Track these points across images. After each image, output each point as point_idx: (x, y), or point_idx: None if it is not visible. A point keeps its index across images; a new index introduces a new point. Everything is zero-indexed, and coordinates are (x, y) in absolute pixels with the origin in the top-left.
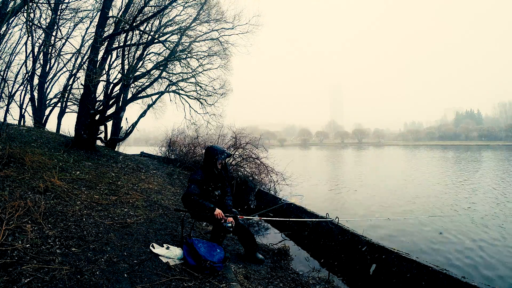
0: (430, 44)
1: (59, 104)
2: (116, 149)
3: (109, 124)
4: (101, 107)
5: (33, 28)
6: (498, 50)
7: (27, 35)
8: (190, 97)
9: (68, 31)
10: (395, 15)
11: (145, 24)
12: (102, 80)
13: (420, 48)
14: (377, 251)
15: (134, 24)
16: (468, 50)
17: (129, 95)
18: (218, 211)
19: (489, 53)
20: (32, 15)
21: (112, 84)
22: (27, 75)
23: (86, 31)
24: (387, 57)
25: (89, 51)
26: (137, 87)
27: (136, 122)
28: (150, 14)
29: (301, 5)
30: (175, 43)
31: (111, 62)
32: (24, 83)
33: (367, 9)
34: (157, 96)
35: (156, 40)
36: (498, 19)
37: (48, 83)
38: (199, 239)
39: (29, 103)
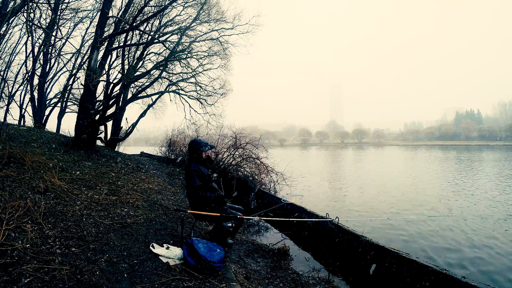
0: (430, 45)
1: (59, 104)
2: (116, 149)
3: (109, 124)
4: (101, 107)
5: (33, 28)
6: (498, 51)
7: (27, 35)
8: (190, 97)
9: (68, 31)
10: (397, 18)
11: (145, 24)
12: (102, 80)
13: (421, 49)
14: (377, 251)
15: (134, 24)
16: (469, 51)
17: (129, 95)
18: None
19: (489, 54)
20: (32, 15)
21: (112, 84)
22: (27, 75)
23: (86, 31)
24: (387, 58)
25: (89, 51)
26: (137, 87)
27: (136, 122)
28: (150, 14)
29: (303, 6)
30: (175, 43)
31: (111, 62)
32: (24, 83)
33: (369, 11)
34: (157, 96)
35: (156, 40)
36: (500, 22)
37: (48, 83)
38: (199, 239)
39: (29, 103)
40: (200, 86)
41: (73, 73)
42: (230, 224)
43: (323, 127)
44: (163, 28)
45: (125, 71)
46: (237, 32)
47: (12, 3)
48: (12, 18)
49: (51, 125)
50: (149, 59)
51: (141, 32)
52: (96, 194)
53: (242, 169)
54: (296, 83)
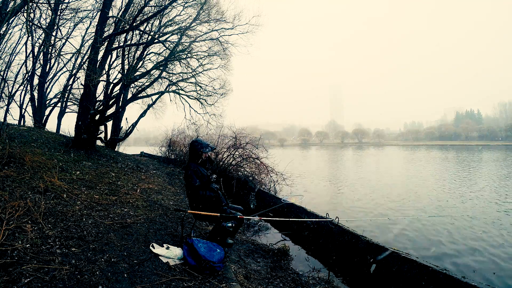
0: (430, 44)
1: (59, 104)
2: (116, 149)
3: (109, 124)
4: (101, 107)
5: (33, 28)
6: (499, 50)
7: (27, 35)
8: (190, 97)
9: (68, 31)
10: (395, 15)
11: (145, 24)
12: (102, 80)
13: (421, 49)
14: (377, 251)
15: (134, 24)
16: (469, 50)
17: (129, 95)
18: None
19: (490, 53)
20: (32, 15)
21: (112, 84)
22: (27, 75)
23: (86, 31)
24: (387, 57)
25: (89, 51)
26: (137, 87)
27: (136, 122)
28: (150, 14)
29: (304, 5)
30: (175, 43)
31: (111, 62)
32: (24, 83)
33: (367, 9)
34: (157, 96)
35: (156, 40)
36: (500, 21)
37: (48, 83)
38: (199, 239)
39: (29, 103)
40: (200, 86)
41: (73, 73)
42: (230, 224)
43: (323, 127)
44: (163, 28)
45: (125, 71)
46: (237, 32)
47: (12, 3)
48: (12, 18)
49: (51, 125)
50: (149, 59)
51: (141, 32)
52: (96, 194)
53: (242, 169)
54: (296, 83)
